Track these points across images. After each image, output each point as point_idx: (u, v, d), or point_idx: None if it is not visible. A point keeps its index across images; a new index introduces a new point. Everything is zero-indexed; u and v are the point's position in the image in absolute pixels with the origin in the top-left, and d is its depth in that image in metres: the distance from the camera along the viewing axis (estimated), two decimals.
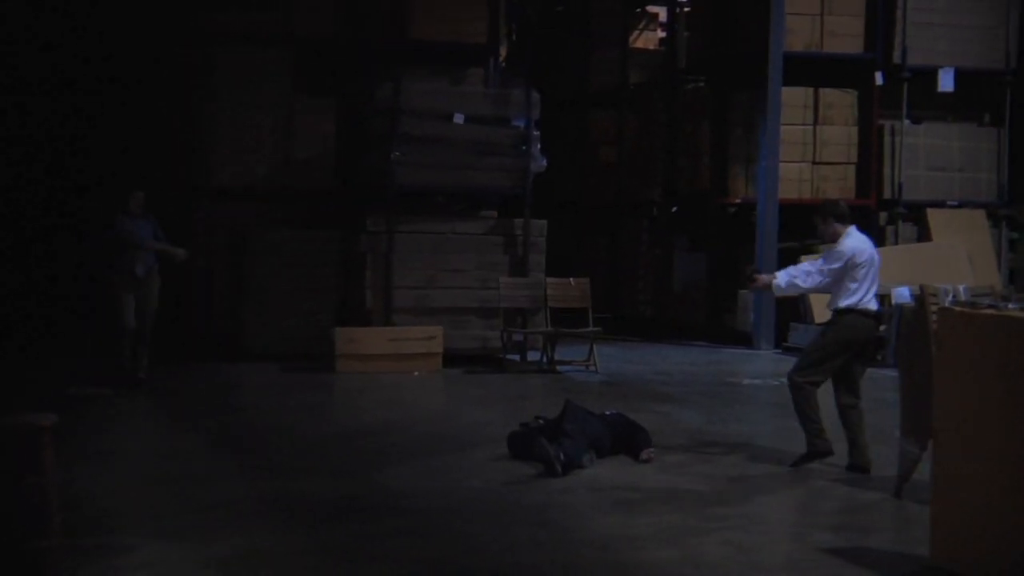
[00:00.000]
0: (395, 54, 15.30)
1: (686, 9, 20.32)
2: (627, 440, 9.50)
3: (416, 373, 14.08)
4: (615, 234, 21.57)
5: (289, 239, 15.24)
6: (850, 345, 9.14)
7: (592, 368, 14.50)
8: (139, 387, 12.40)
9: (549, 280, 15.30)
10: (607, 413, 9.81)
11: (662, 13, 21.90)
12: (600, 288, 16.77)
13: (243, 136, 15.53)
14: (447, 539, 7.19)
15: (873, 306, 9.16)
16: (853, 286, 9.08)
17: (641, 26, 22.17)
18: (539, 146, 15.43)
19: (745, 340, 17.20)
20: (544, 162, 15.49)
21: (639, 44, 22.03)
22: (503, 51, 17.07)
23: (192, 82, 16.23)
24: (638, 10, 22.24)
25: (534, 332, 14.99)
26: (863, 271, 9.10)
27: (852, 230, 9.33)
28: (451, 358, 14.46)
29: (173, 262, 12.79)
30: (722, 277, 18.46)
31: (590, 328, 14.70)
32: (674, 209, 20.02)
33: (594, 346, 14.64)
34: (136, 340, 12.52)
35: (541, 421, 9.54)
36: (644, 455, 9.31)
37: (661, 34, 22.11)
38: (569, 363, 14.77)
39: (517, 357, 15.05)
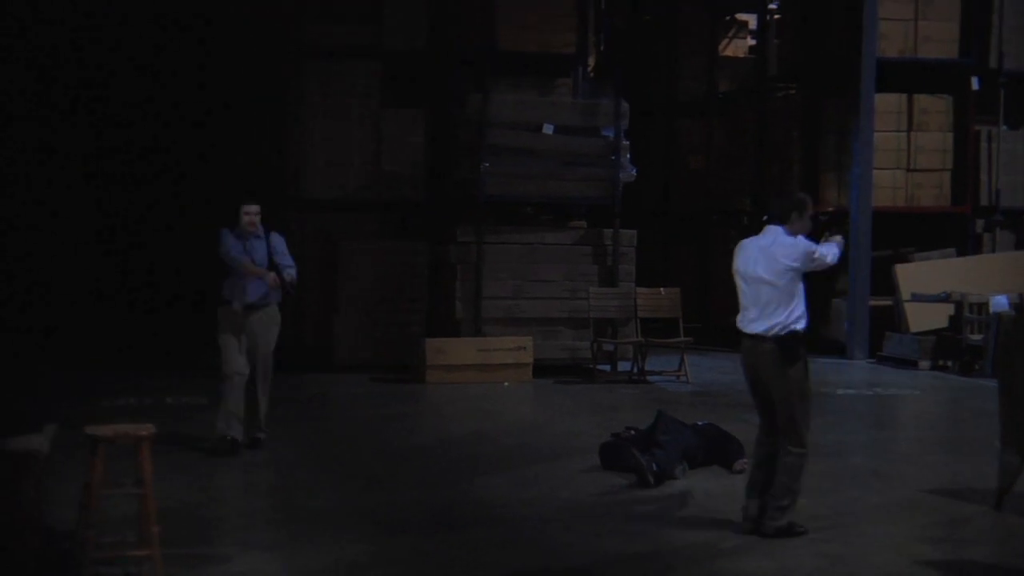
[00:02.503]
0: (484, 65, 15.34)
1: (776, 16, 20.15)
2: (720, 451, 9.42)
3: (506, 383, 14.09)
4: (704, 243, 21.42)
5: (379, 250, 15.34)
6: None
7: (683, 378, 14.41)
8: (255, 447, 9.85)
9: (639, 290, 15.24)
10: (699, 424, 9.75)
11: (752, 20, 21.76)
12: (690, 298, 16.65)
13: (334, 148, 15.66)
14: (540, 549, 7.17)
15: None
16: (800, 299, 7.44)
17: (730, 34, 22.04)
18: (628, 156, 15.38)
19: (838, 349, 16.97)
20: (634, 172, 15.44)
21: (728, 52, 21.91)
22: (591, 61, 17.05)
23: (283, 94, 16.41)
24: (727, 18, 22.11)
25: (624, 342, 14.93)
26: (736, 279, 7.70)
27: (766, 228, 7.64)
28: (541, 368, 14.44)
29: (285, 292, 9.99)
30: (814, 285, 18.21)
31: (681, 338, 14.60)
32: (765, 218, 19.78)
33: (685, 356, 14.54)
34: (247, 391, 9.82)
35: (632, 432, 9.49)
36: (737, 466, 9.22)
37: (751, 41, 21.96)
38: (660, 373, 14.68)
39: (607, 367, 15.00)
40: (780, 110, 19.54)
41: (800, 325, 7.32)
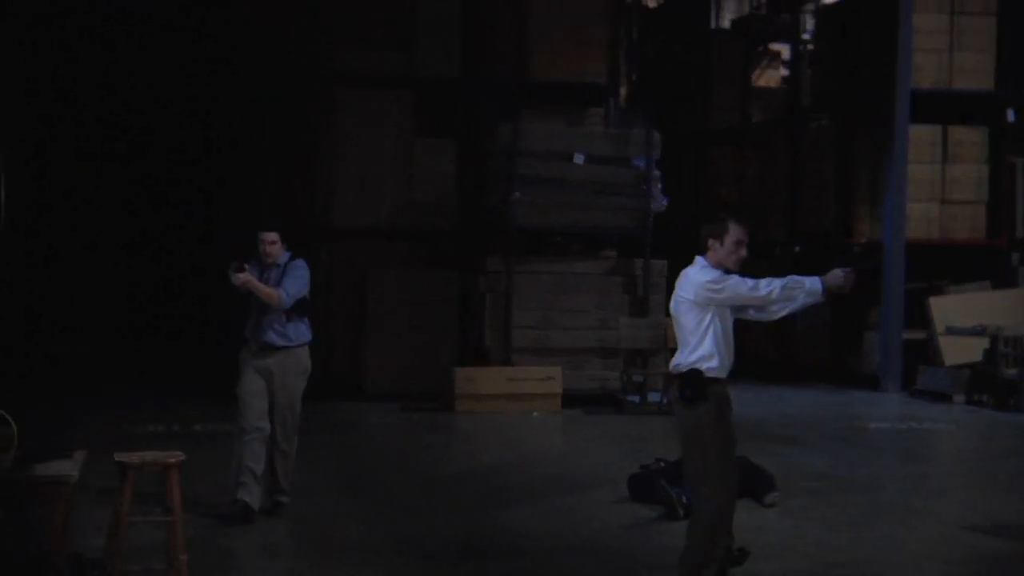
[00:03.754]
0: (515, 94, 15.34)
1: (809, 47, 20.10)
2: (750, 484, 9.31)
3: (535, 413, 14.03)
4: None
5: (409, 279, 15.33)
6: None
7: None
8: (275, 513, 8.54)
9: (669, 320, 15.14)
10: None
11: (785, 51, 21.72)
12: None
13: (364, 176, 15.69)
14: None
15: None
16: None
17: (763, 64, 22.01)
18: (660, 186, 15.34)
19: (871, 382, 16.83)
20: (665, 202, 15.39)
21: (761, 82, 21.87)
22: (624, 91, 17.04)
23: (315, 122, 16.46)
24: (760, 48, 22.08)
25: (654, 373, 14.85)
26: None
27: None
28: (570, 398, 14.37)
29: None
30: (846, 318, 18.11)
31: None
32: (797, 249, 19.73)
33: None
34: (267, 447, 8.50)
35: (662, 463, 9.41)
36: (768, 499, 9.14)
37: (784, 72, 21.92)
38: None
39: (637, 398, 14.91)
40: (813, 141, 19.45)
41: (707, 364, 6.40)
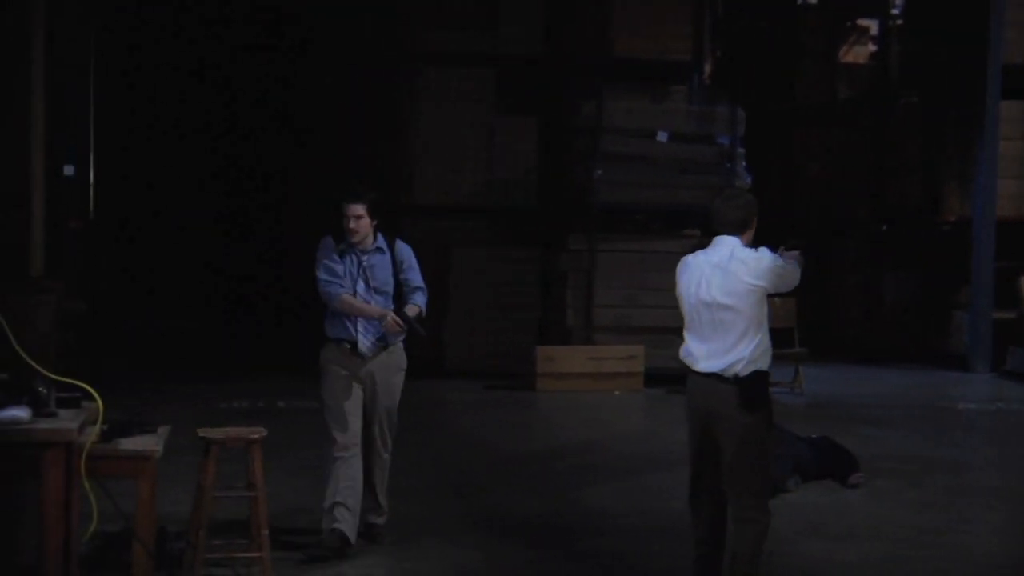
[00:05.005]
0: (598, 71, 15.26)
1: (899, 22, 19.76)
2: (834, 464, 9.23)
3: (616, 392, 13.98)
4: (821, 252, 21.06)
5: (491, 257, 15.35)
6: (689, 425, 6.09)
7: (797, 390, 14.18)
8: (373, 539, 7.31)
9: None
10: (813, 436, 9.56)
11: (873, 26, 21.36)
12: (805, 307, 16.39)
13: (446, 154, 15.72)
14: (649, 560, 7.08)
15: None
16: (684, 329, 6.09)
17: (851, 40, 21.67)
18: (744, 164, 15.19)
19: (959, 363, 16.56)
20: (749, 180, 15.24)
21: (848, 58, 21.54)
22: (708, 67, 16.88)
23: (398, 100, 16.50)
24: (848, 23, 21.74)
25: None
26: (680, 303, 6.22)
27: (714, 240, 6.14)
28: (652, 377, 14.30)
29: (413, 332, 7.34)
30: (934, 297, 17.84)
31: (796, 349, 14.37)
32: (884, 227, 19.46)
33: (800, 367, 14.30)
34: (360, 464, 7.16)
35: None
36: (852, 480, 9.04)
37: (872, 48, 21.57)
38: (774, 384, 14.43)
39: None
40: (901, 118, 19.15)
41: (765, 362, 5.83)
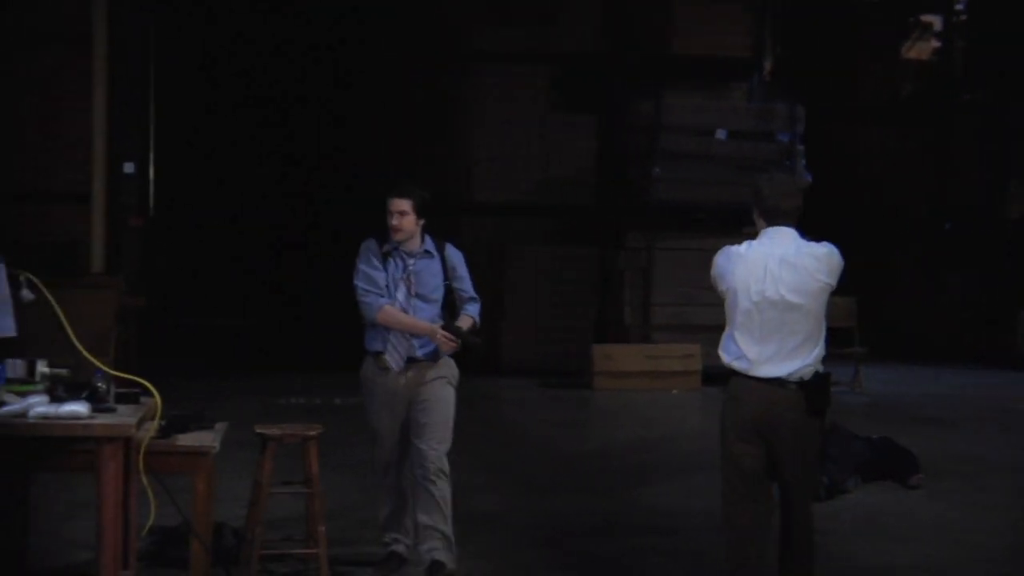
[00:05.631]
0: (656, 69, 15.19)
1: (962, 18, 19.53)
2: (894, 465, 9.13)
3: (674, 391, 13.91)
4: (882, 251, 20.86)
5: (547, 255, 15.32)
6: (733, 434, 5.50)
7: (858, 389, 14.04)
8: (436, 570, 6.44)
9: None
10: (873, 437, 9.46)
11: (937, 22, 21.13)
12: (866, 306, 16.25)
13: (502, 152, 15.71)
14: (708, 559, 7.02)
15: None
16: (728, 329, 5.59)
17: (914, 36, 21.44)
18: (804, 161, 15.06)
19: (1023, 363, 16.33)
20: (809, 177, 15.10)
21: (911, 55, 21.32)
22: (768, 64, 16.75)
23: (454, 98, 16.52)
24: (911, 19, 21.51)
25: None
26: (729, 301, 5.62)
27: (769, 232, 5.69)
28: (710, 376, 14.19)
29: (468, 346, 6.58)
30: (998, 296, 17.61)
31: (856, 348, 14.23)
32: (947, 225, 19.23)
33: (860, 367, 14.16)
34: (405, 485, 6.63)
35: None
36: (913, 481, 8.93)
37: (935, 44, 21.33)
38: (834, 384, 14.27)
39: None
40: (964, 115, 18.93)
41: (823, 365, 5.46)
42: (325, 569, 6.38)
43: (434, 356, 6.48)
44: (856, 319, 14.68)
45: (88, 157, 13.08)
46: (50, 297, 5.50)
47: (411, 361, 6.48)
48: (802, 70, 19.44)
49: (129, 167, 15.47)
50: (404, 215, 6.42)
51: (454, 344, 6.43)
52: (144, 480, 5.59)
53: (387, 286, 6.46)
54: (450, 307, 6.59)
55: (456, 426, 6.60)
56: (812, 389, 5.34)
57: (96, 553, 5.09)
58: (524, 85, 15.81)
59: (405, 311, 6.44)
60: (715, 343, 5.62)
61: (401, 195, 6.45)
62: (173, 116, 18.70)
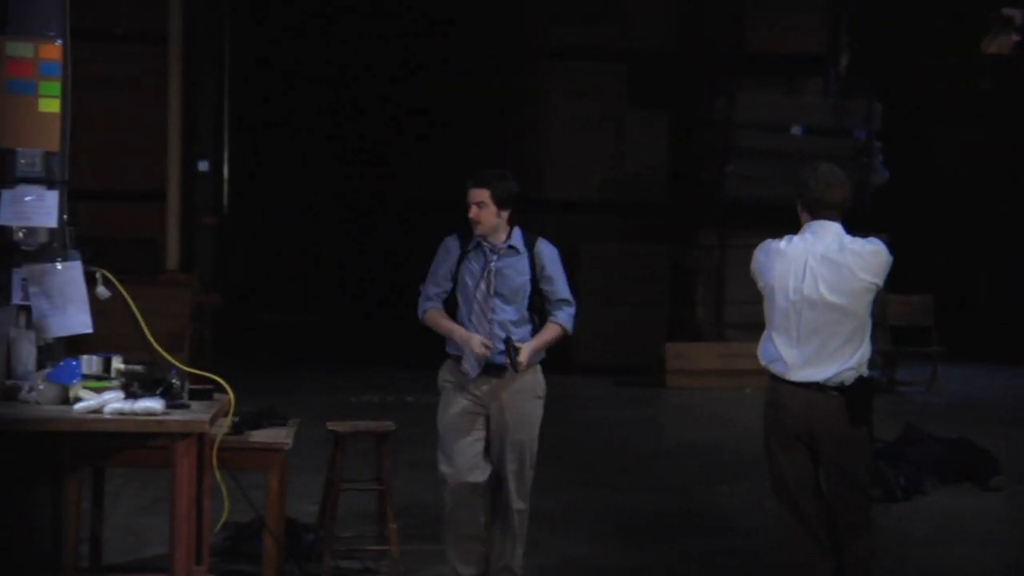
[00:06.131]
0: (730, 65, 15.08)
1: None
2: (973, 466, 8.98)
3: (747, 390, 13.78)
4: (961, 249, 20.57)
5: (620, 252, 15.26)
6: (774, 442, 5.35)
7: (935, 390, 13.84)
8: None
9: (890, 296, 14.68)
10: (951, 437, 9.32)
11: (1018, 16, 20.79)
12: (946, 305, 16.03)
13: (576, 149, 15.67)
14: (781, 560, 6.93)
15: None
16: (767, 329, 5.37)
17: (994, 30, 21.12)
18: (881, 157, 14.88)
19: None
20: (886, 174, 14.94)
21: (992, 49, 20.99)
22: (844, 60, 16.57)
23: (527, 95, 16.50)
24: (991, 14, 21.18)
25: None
26: (767, 299, 5.39)
27: (812, 226, 5.29)
28: None
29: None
30: None
31: (934, 347, 14.03)
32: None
33: (937, 367, 13.95)
34: (480, 506, 6.03)
35: (880, 444, 9.10)
36: (992, 483, 8.79)
37: (1016, 38, 20.99)
38: (910, 384, 14.14)
39: None
40: None
41: (866, 367, 5.17)
42: (397, 565, 6.38)
43: (510, 367, 5.89)
44: (934, 318, 14.47)
45: (163, 156, 13.24)
46: (125, 294, 5.54)
47: (491, 368, 5.92)
48: (879, 65, 19.21)
49: (203, 165, 15.62)
50: (482, 206, 6.00)
51: (485, 352, 5.85)
52: (217, 476, 5.63)
53: (467, 283, 5.98)
54: (537, 309, 6.15)
55: None
56: (853, 395, 5.06)
57: (169, 548, 5.13)
58: (598, 82, 15.76)
59: (483, 311, 5.95)
60: None
61: (478, 184, 6.03)
62: (247, 114, 18.85)
